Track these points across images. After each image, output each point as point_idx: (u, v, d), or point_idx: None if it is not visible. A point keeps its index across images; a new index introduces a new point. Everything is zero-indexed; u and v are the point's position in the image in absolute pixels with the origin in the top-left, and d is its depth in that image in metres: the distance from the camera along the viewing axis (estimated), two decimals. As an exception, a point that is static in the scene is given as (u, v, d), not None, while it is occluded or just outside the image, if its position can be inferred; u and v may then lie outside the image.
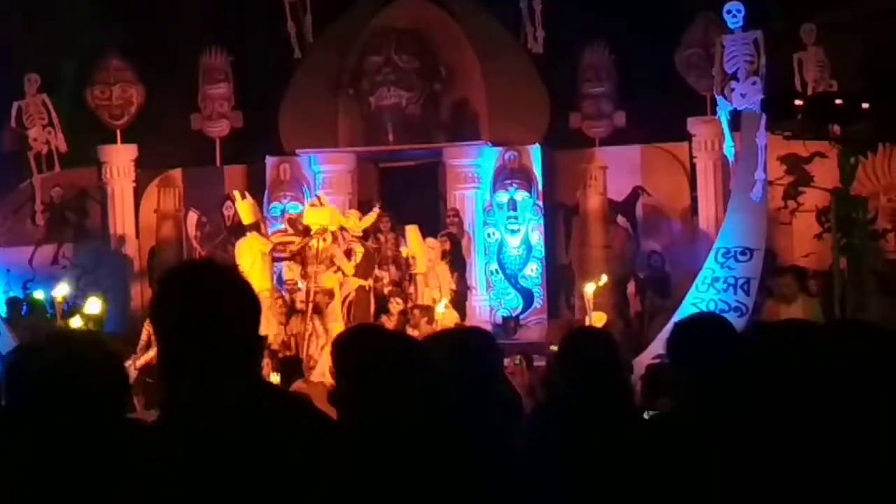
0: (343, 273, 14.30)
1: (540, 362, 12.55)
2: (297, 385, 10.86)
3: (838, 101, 11.20)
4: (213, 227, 17.17)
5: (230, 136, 18.11)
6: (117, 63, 17.73)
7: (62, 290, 14.59)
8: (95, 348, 2.86)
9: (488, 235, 17.05)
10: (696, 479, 3.56)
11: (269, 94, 17.68)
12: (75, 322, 13.00)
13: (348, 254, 14.49)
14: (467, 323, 15.06)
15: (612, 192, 17.09)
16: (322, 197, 15.44)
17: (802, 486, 3.08)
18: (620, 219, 17.15)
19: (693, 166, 17.02)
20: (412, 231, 15.14)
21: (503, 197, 16.96)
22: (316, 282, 13.98)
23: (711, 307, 13.73)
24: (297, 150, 17.22)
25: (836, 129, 11.63)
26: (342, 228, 14.70)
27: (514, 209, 16.93)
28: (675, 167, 17.26)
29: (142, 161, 17.75)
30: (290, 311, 14.21)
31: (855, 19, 16.04)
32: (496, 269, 17.03)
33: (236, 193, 15.03)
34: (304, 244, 14.22)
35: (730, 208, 15.25)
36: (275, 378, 11.55)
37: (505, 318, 16.76)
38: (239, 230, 15.01)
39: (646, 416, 4.87)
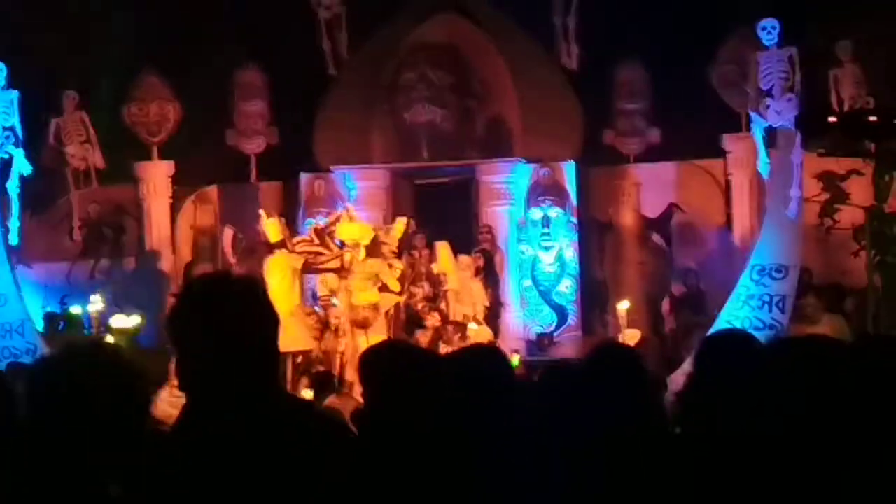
0: (387, 289, 14.26)
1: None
2: (330, 401, 10.86)
3: (872, 118, 11.13)
4: (248, 243, 17.21)
5: (265, 153, 18.22)
6: (154, 80, 17.88)
7: (98, 306, 14.71)
8: (107, 360, 2.89)
9: (522, 252, 17.04)
10: (720, 494, 3.56)
11: (303, 110, 17.78)
12: (108, 337, 13.08)
13: (391, 269, 14.51)
14: (501, 340, 15.07)
15: (647, 208, 17.05)
16: (350, 209, 15.48)
17: (824, 499, 3.07)
18: (655, 236, 17.09)
19: (728, 183, 16.96)
20: (443, 247, 15.15)
21: (537, 213, 16.96)
22: (357, 297, 13.97)
23: (746, 325, 13.63)
24: (332, 167, 17.29)
25: (871, 145, 11.56)
26: (382, 243, 14.73)
27: (548, 226, 16.92)
28: (709, 184, 17.20)
29: (178, 177, 17.88)
30: (325, 326, 14.22)
31: (892, 35, 15.95)
32: (530, 286, 17.01)
33: (262, 212, 15.14)
34: (335, 256, 14.27)
35: (764, 225, 15.17)
36: (308, 394, 11.57)
37: (538, 335, 16.74)
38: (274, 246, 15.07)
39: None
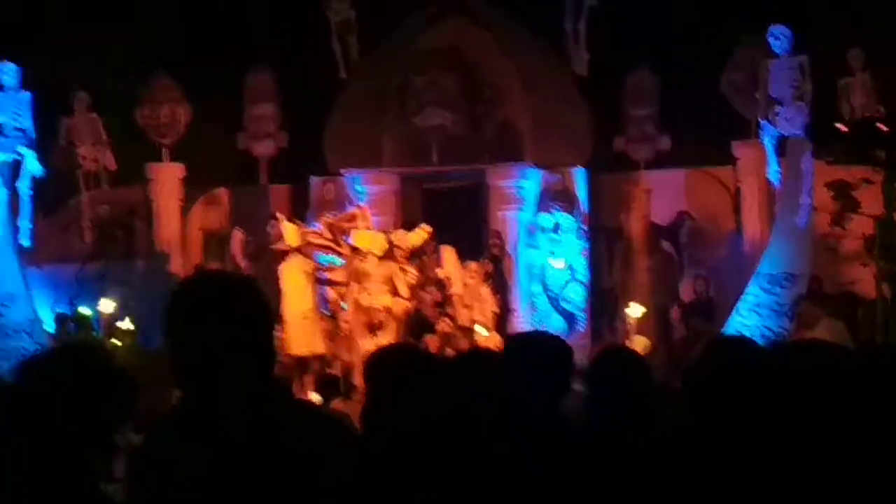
0: (398, 294, 14.30)
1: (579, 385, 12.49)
2: (336, 404, 10.89)
3: (882, 126, 11.11)
4: (257, 246, 17.24)
5: (275, 156, 18.26)
6: (165, 82, 17.93)
7: (108, 307, 14.74)
8: (95, 361, 2.90)
9: (531, 258, 17.03)
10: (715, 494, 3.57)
11: (314, 113, 17.82)
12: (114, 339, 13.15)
13: (403, 274, 14.55)
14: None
15: (657, 215, 17.03)
16: (364, 208, 15.48)
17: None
18: (664, 243, 17.06)
19: (738, 190, 16.94)
20: (448, 252, 15.18)
21: (547, 219, 16.95)
22: (373, 300, 14.01)
23: (755, 333, 13.62)
24: (342, 170, 17.31)
25: (882, 154, 11.53)
26: (396, 247, 14.77)
27: (558, 231, 16.91)
28: (719, 191, 17.19)
29: (188, 179, 17.92)
30: (335, 330, 14.29)
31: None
32: (539, 292, 17.00)
33: (280, 216, 15.20)
34: (341, 254, 14.37)
35: (774, 233, 15.16)
36: (315, 397, 11.59)
37: (547, 341, 16.67)
38: (283, 250, 15.14)
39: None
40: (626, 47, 16.96)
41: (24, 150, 15.59)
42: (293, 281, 13.97)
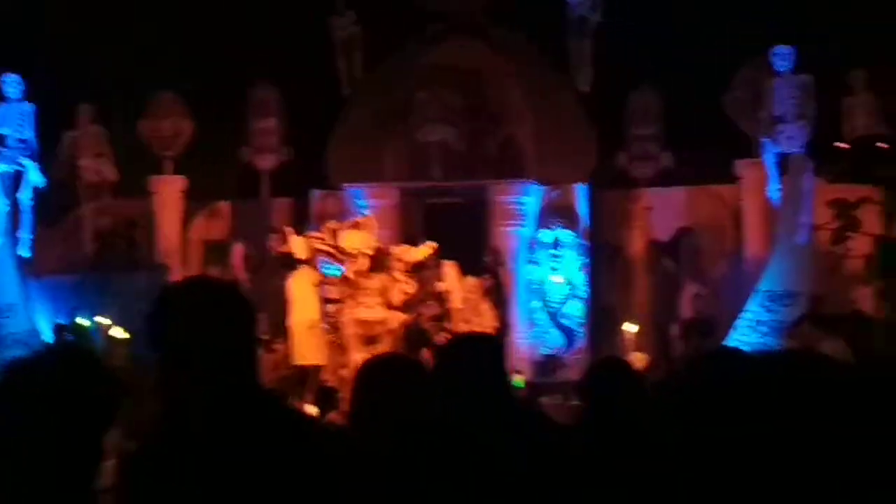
0: (391, 306, 14.37)
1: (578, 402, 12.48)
2: (332, 416, 10.89)
3: (882, 145, 11.13)
4: (258, 260, 17.25)
5: (278, 170, 18.28)
6: (169, 95, 17.97)
7: (107, 319, 14.75)
8: (82, 361, 2.90)
9: (531, 273, 17.03)
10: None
11: (317, 128, 17.86)
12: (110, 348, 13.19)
13: (399, 287, 14.58)
14: (513, 363, 15.06)
15: (657, 232, 17.03)
16: (370, 217, 15.51)
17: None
18: (665, 260, 17.06)
19: (739, 209, 16.94)
20: (450, 267, 15.20)
21: (547, 235, 16.95)
22: (367, 313, 14.08)
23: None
24: (343, 185, 17.33)
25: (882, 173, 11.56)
26: (397, 260, 14.83)
27: (558, 248, 16.91)
28: (721, 209, 17.19)
29: (190, 192, 17.95)
30: (333, 343, 14.35)
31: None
32: (538, 308, 16.99)
33: (288, 229, 15.29)
34: (342, 259, 14.46)
35: (775, 252, 15.14)
36: (312, 409, 11.59)
37: (546, 357, 16.70)
38: (286, 263, 15.21)
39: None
40: (629, 65, 16.98)
41: (26, 161, 15.64)
42: (301, 292, 14.12)
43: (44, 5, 17.49)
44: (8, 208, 15.36)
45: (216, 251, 17.80)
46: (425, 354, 13.89)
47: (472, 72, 17.52)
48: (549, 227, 16.94)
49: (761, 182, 16.09)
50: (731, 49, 16.71)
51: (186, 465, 2.68)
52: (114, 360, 12.99)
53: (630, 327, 13.60)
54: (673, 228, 17.17)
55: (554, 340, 16.90)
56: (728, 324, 15.27)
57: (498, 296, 15.96)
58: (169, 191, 17.91)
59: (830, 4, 16.10)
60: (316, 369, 14.33)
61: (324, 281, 14.65)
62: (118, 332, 14.18)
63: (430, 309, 15.51)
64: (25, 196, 15.62)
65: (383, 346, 13.74)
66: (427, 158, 17.20)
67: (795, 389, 3.38)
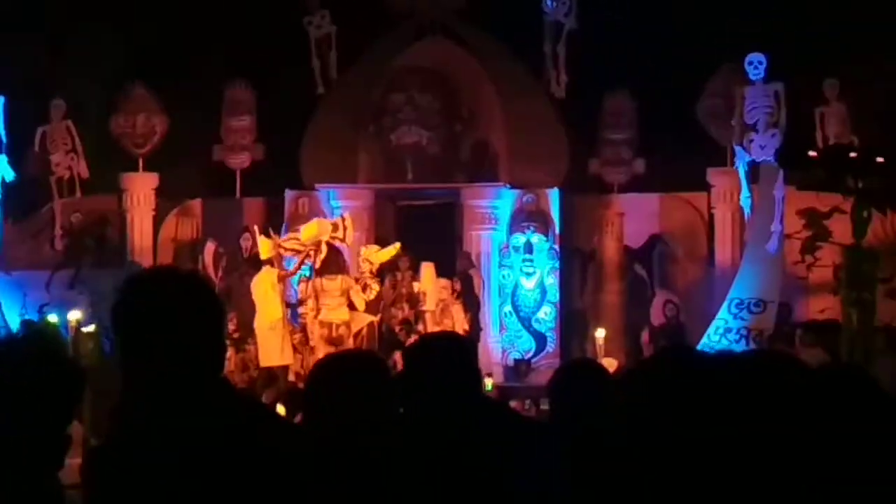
0: (354, 307, 14.40)
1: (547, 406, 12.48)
2: (300, 416, 10.86)
3: (853, 154, 11.19)
4: (230, 258, 17.22)
5: (251, 169, 18.22)
6: (142, 92, 17.89)
7: (76, 315, 14.65)
8: (44, 348, 2.88)
9: (503, 277, 17.04)
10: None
11: (291, 128, 17.81)
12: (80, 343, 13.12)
13: (364, 288, 14.58)
14: (483, 366, 15.04)
15: (629, 238, 17.07)
16: (347, 218, 15.51)
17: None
18: (636, 266, 17.10)
19: (711, 216, 17.01)
20: (428, 268, 15.21)
21: (520, 239, 16.96)
22: (330, 315, 14.11)
23: (723, 357, 13.63)
24: (316, 185, 17.29)
25: (852, 182, 11.62)
26: (365, 260, 14.82)
27: (531, 252, 16.93)
28: (692, 216, 17.26)
29: (162, 190, 17.87)
30: (302, 344, 14.33)
31: (878, 76, 16.04)
32: (510, 312, 17.00)
33: (255, 228, 15.27)
34: (301, 260, 14.52)
35: (745, 259, 15.22)
36: (281, 409, 11.54)
37: (517, 361, 16.72)
38: (256, 262, 15.20)
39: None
40: (603, 71, 17.03)
41: (-4, 155, 15.54)
42: (262, 293, 14.10)
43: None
44: (-23, 203, 15.26)
45: (188, 249, 17.74)
46: (396, 357, 13.88)
47: (446, 75, 17.53)
48: (521, 232, 16.95)
49: (733, 190, 16.18)
50: (705, 57, 16.79)
51: (148, 460, 2.67)
52: (82, 357, 12.92)
53: (601, 332, 13.62)
54: (645, 235, 17.23)
55: (525, 344, 16.92)
56: (698, 330, 15.34)
57: (469, 299, 15.96)
58: (141, 188, 17.84)
59: (803, 13, 16.18)
60: (283, 369, 14.33)
61: (285, 276, 14.68)
62: (87, 329, 14.10)
63: (401, 311, 15.53)
64: (-5, 190, 15.53)
65: (346, 348, 13.76)
66: (400, 161, 17.19)
67: (763, 391, 3.40)
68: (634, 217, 17.08)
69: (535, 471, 4.40)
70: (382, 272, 15.47)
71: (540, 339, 16.93)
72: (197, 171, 17.94)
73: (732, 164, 16.05)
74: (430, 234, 16.98)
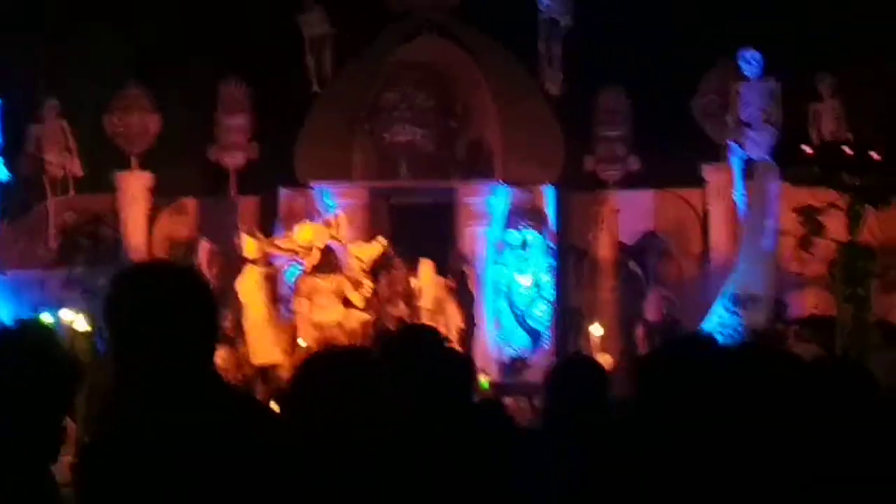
0: (352, 305, 14.38)
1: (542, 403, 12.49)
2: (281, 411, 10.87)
3: (847, 150, 11.20)
4: (224, 257, 17.19)
5: (245, 167, 18.20)
6: (136, 91, 17.86)
7: (70, 315, 14.64)
8: (40, 341, 2.87)
9: (498, 274, 17.02)
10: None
11: (286, 126, 17.79)
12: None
13: (356, 286, 14.58)
14: (478, 362, 15.05)
15: (624, 235, 17.08)
16: (341, 216, 15.50)
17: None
18: (631, 263, 17.11)
19: (706, 213, 17.01)
20: (426, 265, 15.24)
21: (515, 237, 16.95)
22: (322, 315, 14.12)
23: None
24: (311, 183, 17.27)
25: (847, 178, 11.64)
26: (356, 259, 14.82)
27: (525, 249, 16.92)
28: (687, 213, 17.25)
29: (157, 189, 17.84)
30: (295, 341, 14.35)
31: (874, 73, 16.04)
32: (505, 309, 16.99)
33: (241, 228, 15.33)
34: (290, 259, 14.56)
35: (740, 256, 15.20)
36: (274, 407, 11.54)
37: (511, 358, 16.71)
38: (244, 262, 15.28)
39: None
40: (598, 68, 17.03)
41: (-9, 154, 15.51)
42: (248, 292, 14.18)
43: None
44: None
45: (182, 248, 17.71)
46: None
47: (440, 73, 17.51)
48: (516, 229, 16.95)
49: (727, 186, 16.18)
50: (699, 53, 16.79)
51: (140, 453, 2.65)
52: (76, 355, 12.90)
53: (596, 329, 13.62)
54: (640, 231, 17.23)
55: (520, 342, 16.91)
56: (693, 327, 15.31)
57: (464, 297, 15.96)
58: (135, 187, 17.79)
59: (798, 10, 16.19)
60: (274, 368, 14.34)
61: (273, 273, 14.74)
62: (81, 328, 14.09)
63: (397, 309, 15.51)
64: (-11, 190, 15.50)
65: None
66: (395, 159, 17.18)
67: (754, 383, 3.39)
68: (629, 214, 17.08)
69: (531, 469, 4.40)
70: (376, 269, 15.48)
71: (535, 336, 16.92)
72: (191, 170, 17.91)
73: (727, 160, 16.03)
74: (425, 232, 16.97)
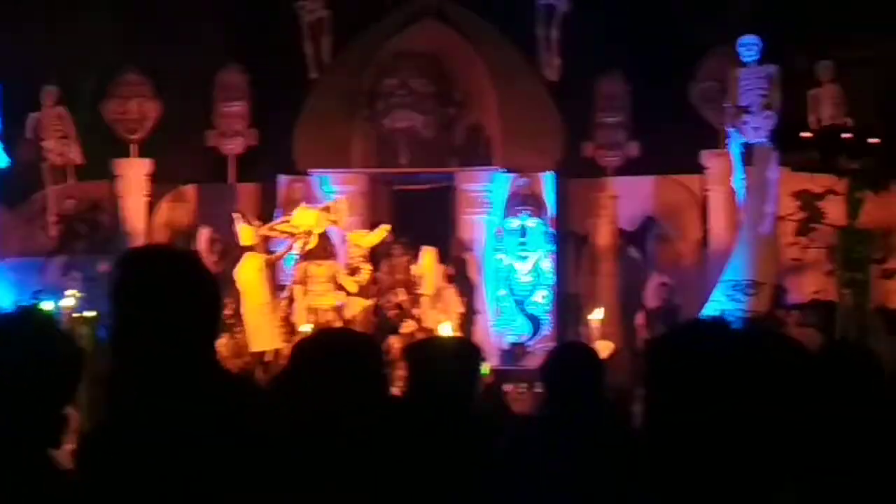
0: (346, 292, 14.41)
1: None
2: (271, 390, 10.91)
3: (847, 135, 11.20)
4: (224, 244, 17.19)
5: (244, 154, 18.20)
6: (135, 77, 17.85)
7: (70, 301, 14.64)
8: (42, 325, 2.87)
9: (498, 261, 17.03)
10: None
11: (284, 113, 17.76)
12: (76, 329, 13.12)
13: (354, 272, 14.58)
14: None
15: (624, 222, 17.07)
16: (342, 201, 15.50)
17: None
18: (631, 248, 17.12)
19: (705, 199, 17.00)
20: (428, 252, 15.25)
21: (514, 223, 16.95)
22: (318, 301, 14.16)
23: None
24: (310, 170, 17.26)
25: (846, 163, 11.64)
26: (355, 245, 14.83)
27: (525, 236, 16.92)
28: (687, 199, 17.25)
29: (156, 176, 17.83)
30: (293, 328, 14.39)
31: (873, 58, 16.04)
32: (505, 295, 17.00)
33: (237, 215, 15.32)
34: (291, 243, 14.58)
35: (739, 242, 15.20)
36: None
37: (512, 345, 16.73)
38: (250, 248, 15.24)
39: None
40: (597, 54, 16.98)
41: (-11, 142, 15.50)
42: (247, 278, 14.19)
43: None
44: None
45: (181, 235, 17.71)
46: (391, 341, 13.91)
47: (439, 59, 17.48)
48: (515, 215, 16.95)
49: (727, 172, 16.17)
50: (698, 39, 16.77)
51: (137, 440, 2.66)
52: (77, 342, 12.90)
53: (596, 316, 13.63)
54: (639, 217, 17.23)
55: (520, 328, 16.92)
56: (692, 313, 15.31)
57: (463, 283, 15.97)
58: (134, 174, 17.79)
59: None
60: (272, 354, 14.36)
61: (274, 259, 14.75)
62: (81, 315, 14.10)
63: (397, 296, 15.52)
64: (-11, 178, 15.50)
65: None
66: (394, 145, 17.16)
67: (757, 368, 3.39)
68: (628, 200, 17.08)
69: (524, 456, 4.41)
70: (376, 256, 15.49)
71: (535, 323, 16.93)
72: (190, 157, 17.91)
73: (726, 146, 16.03)
74: (424, 219, 16.98)
